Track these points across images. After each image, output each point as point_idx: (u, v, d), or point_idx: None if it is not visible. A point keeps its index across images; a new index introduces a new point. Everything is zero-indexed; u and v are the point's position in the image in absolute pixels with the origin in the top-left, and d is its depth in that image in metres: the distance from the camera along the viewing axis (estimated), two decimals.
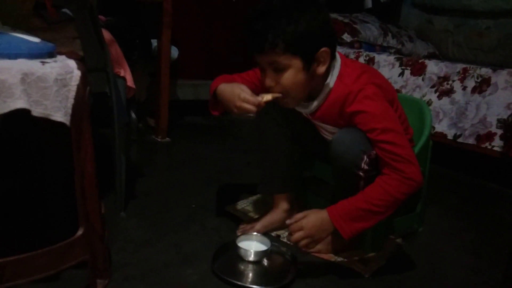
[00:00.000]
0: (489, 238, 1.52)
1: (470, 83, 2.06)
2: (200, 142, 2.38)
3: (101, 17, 1.68)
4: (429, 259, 1.32)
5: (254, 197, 1.62)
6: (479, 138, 1.99)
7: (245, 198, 1.61)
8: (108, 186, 1.38)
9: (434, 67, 2.22)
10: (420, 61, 2.31)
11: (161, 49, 2.19)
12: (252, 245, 1.22)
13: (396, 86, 2.32)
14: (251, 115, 1.20)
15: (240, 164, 2.04)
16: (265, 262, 1.19)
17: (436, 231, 1.52)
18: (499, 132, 1.93)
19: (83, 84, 0.86)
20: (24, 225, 1.26)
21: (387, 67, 2.41)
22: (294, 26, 1.03)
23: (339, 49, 1.59)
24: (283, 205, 1.36)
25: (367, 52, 2.60)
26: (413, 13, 3.53)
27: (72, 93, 0.83)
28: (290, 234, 1.10)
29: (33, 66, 0.77)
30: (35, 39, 0.86)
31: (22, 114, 0.74)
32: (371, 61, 2.51)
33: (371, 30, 2.88)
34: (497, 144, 1.93)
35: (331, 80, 1.14)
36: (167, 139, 2.31)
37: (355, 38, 2.80)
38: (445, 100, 2.14)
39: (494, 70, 2.00)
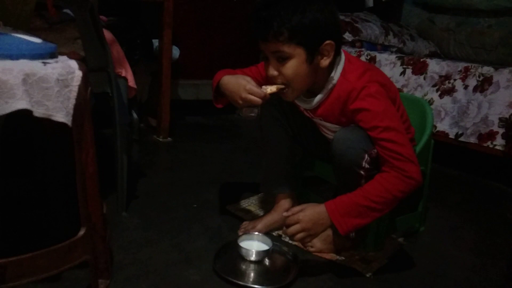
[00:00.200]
0: (491, 237, 1.52)
1: (472, 82, 2.06)
2: (202, 142, 2.38)
3: (102, 17, 1.68)
4: (430, 258, 1.32)
5: (256, 197, 1.62)
6: (481, 137, 1.99)
7: (246, 197, 1.61)
8: (109, 186, 1.38)
9: (435, 66, 2.22)
10: (421, 60, 2.30)
11: (162, 49, 2.20)
12: (253, 245, 1.21)
13: (398, 85, 2.32)
14: (253, 114, 1.20)
15: (242, 163, 2.05)
16: (267, 261, 1.19)
17: (437, 230, 1.52)
18: (501, 131, 1.92)
19: (85, 84, 0.87)
20: (26, 225, 1.26)
21: (389, 66, 2.41)
22: (300, 16, 1.03)
23: None
24: (285, 205, 1.36)
25: (369, 51, 2.60)
26: (414, 12, 3.52)
27: (74, 94, 0.83)
28: (287, 226, 1.09)
29: (35, 66, 0.77)
30: (37, 40, 0.86)
31: (24, 115, 0.75)
32: (372, 60, 2.50)
33: (372, 29, 2.88)
34: (499, 143, 1.93)
35: (335, 76, 1.14)
36: (169, 139, 2.32)
37: (357, 37, 2.79)
38: (447, 99, 2.14)
39: (496, 69, 2.00)
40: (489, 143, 1.96)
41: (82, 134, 0.89)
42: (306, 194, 1.54)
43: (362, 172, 1.09)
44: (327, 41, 1.07)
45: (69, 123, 0.82)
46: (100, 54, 1.22)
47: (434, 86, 2.20)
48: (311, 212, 1.08)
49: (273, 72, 1.10)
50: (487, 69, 2.02)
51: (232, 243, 1.21)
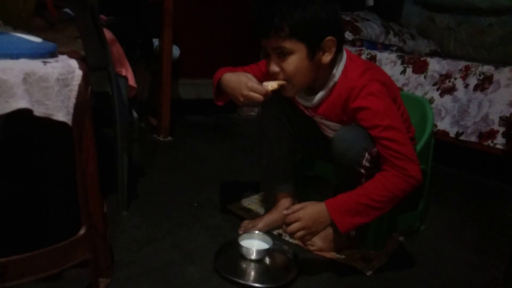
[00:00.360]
0: (491, 236, 1.52)
1: (472, 81, 2.05)
2: (202, 141, 2.38)
3: (103, 16, 1.69)
4: (431, 257, 1.32)
5: (256, 196, 1.62)
6: (481, 135, 1.99)
7: (247, 196, 1.61)
8: (110, 185, 1.38)
9: (436, 65, 2.21)
10: (422, 59, 2.30)
11: (162, 48, 2.20)
12: (254, 244, 1.22)
13: (398, 84, 2.32)
14: (253, 113, 1.20)
15: (242, 162, 2.05)
16: (267, 260, 1.19)
17: (438, 229, 1.52)
18: (502, 129, 1.92)
19: (85, 83, 0.87)
20: (27, 225, 1.26)
21: (389, 65, 2.41)
22: (301, 12, 1.04)
23: None
24: (285, 204, 1.36)
25: (369, 50, 2.60)
26: (414, 11, 3.52)
27: (74, 93, 0.83)
28: (287, 225, 1.09)
29: (35, 66, 0.77)
30: (37, 39, 0.86)
31: (25, 114, 0.75)
32: (372, 59, 2.50)
33: (372, 28, 2.88)
34: (499, 141, 1.93)
35: (337, 73, 1.14)
36: (169, 138, 2.32)
37: (357, 36, 2.79)
38: (447, 98, 2.14)
39: (496, 68, 2.00)
40: (489, 142, 1.96)
41: (82, 133, 0.89)
42: (306, 193, 1.54)
43: (362, 170, 1.09)
44: (329, 37, 1.07)
45: (70, 123, 0.82)
46: (100, 53, 1.22)
47: (434, 85, 2.20)
48: (311, 211, 1.08)
49: (274, 68, 1.11)
50: (487, 68, 2.02)
51: (233, 242, 1.21)
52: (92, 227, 0.94)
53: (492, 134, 1.95)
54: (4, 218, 1.24)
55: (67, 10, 1.31)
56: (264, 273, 1.16)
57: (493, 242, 1.47)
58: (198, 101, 2.85)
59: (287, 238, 1.33)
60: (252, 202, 1.57)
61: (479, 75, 2.03)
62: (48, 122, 0.79)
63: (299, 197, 1.43)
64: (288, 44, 1.06)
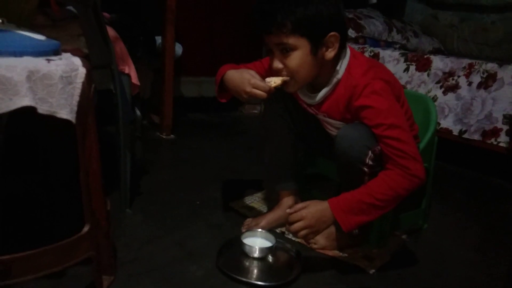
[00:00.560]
0: (494, 234, 1.52)
1: (476, 79, 2.05)
2: (205, 139, 2.38)
3: (105, 14, 1.68)
4: (433, 256, 1.32)
5: (259, 194, 1.62)
6: (485, 134, 1.98)
7: (249, 194, 1.61)
8: (113, 183, 1.38)
9: (439, 63, 2.21)
10: (425, 56, 2.29)
11: (165, 46, 2.19)
12: (256, 242, 1.22)
13: (401, 82, 2.31)
14: (255, 111, 1.20)
15: (244, 160, 2.05)
16: (270, 258, 1.19)
17: (441, 228, 1.52)
18: (505, 128, 1.92)
19: (88, 81, 0.87)
20: (31, 222, 1.27)
21: (392, 62, 2.40)
22: (303, 8, 1.04)
23: None
24: (288, 202, 1.36)
25: (372, 48, 2.59)
26: (417, 8, 3.50)
27: (78, 91, 0.83)
28: (290, 223, 1.09)
29: (39, 63, 0.77)
30: (40, 37, 0.86)
31: (28, 112, 0.75)
32: (375, 56, 2.49)
33: (375, 26, 2.87)
34: (502, 140, 1.92)
35: (340, 70, 1.13)
36: (172, 136, 2.32)
37: (360, 34, 2.78)
38: (451, 95, 2.13)
39: (500, 65, 1.99)
40: (493, 140, 1.95)
41: (85, 131, 0.89)
42: (309, 191, 1.54)
43: (365, 169, 1.09)
44: (332, 33, 1.07)
45: (73, 120, 0.82)
46: (103, 51, 1.22)
47: (437, 82, 2.19)
48: (314, 209, 1.08)
49: (277, 64, 1.10)
50: (491, 66, 2.01)
51: (235, 240, 1.22)
52: (95, 224, 0.94)
53: (495, 132, 1.95)
54: (8, 216, 1.25)
55: (70, 7, 1.31)
56: (267, 271, 1.16)
57: (496, 241, 1.47)
58: (200, 99, 2.85)
59: (290, 236, 1.33)
60: (254, 200, 1.57)
61: (483, 73, 2.03)
62: (51, 120, 0.79)
63: (302, 195, 1.43)
64: (291, 40, 1.06)
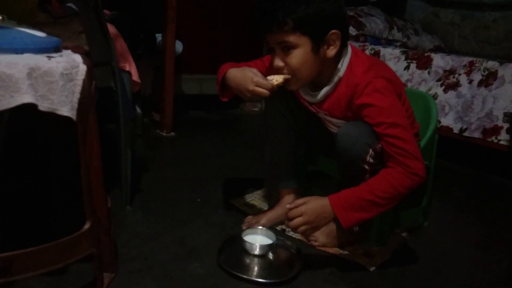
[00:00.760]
0: (495, 232, 1.52)
1: (477, 77, 2.04)
2: (205, 136, 2.38)
3: (106, 11, 1.68)
4: (434, 253, 1.32)
5: (259, 191, 1.62)
6: (485, 132, 1.98)
7: (250, 192, 1.61)
8: (113, 181, 1.39)
9: (440, 61, 2.20)
10: (426, 54, 2.29)
11: (165, 44, 2.19)
12: (257, 239, 1.22)
13: (402, 80, 2.31)
14: (256, 109, 1.20)
15: (245, 158, 2.05)
16: (270, 255, 1.20)
17: (441, 225, 1.52)
18: (506, 126, 1.92)
19: (89, 78, 0.87)
20: (32, 219, 1.27)
21: (393, 60, 2.40)
22: (304, 6, 1.03)
23: None
24: (289, 200, 1.36)
25: (373, 46, 2.59)
26: (418, 6, 3.50)
27: (78, 88, 0.83)
28: (289, 219, 1.09)
29: (39, 60, 0.77)
30: (41, 34, 0.86)
31: (29, 109, 0.75)
32: (376, 54, 2.49)
33: (376, 24, 2.86)
34: (503, 138, 1.92)
35: (342, 68, 1.13)
36: (172, 133, 2.32)
37: (360, 32, 2.78)
38: (451, 93, 2.13)
39: (501, 63, 1.98)
40: (493, 138, 1.95)
41: (86, 128, 0.90)
42: (310, 189, 1.54)
43: (366, 166, 1.09)
44: (333, 31, 1.07)
45: (74, 117, 0.82)
46: (104, 48, 1.22)
47: (438, 80, 2.19)
48: (314, 205, 1.08)
49: (279, 63, 1.10)
50: (492, 64, 2.01)
51: (236, 237, 1.22)
52: (96, 222, 0.94)
53: (496, 130, 1.95)
54: (9, 213, 1.25)
55: (70, 4, 1.31)
56: (268, 268, 1.16)
57: (496, 238, 1.47)
58: (201, 97, 2.85)
59: (291, 233, 1.33)
60: (255, 198, 1.57)
61: (484, 71, 2.02)
62: (52, 117, 0.79)
63: (303, 193, 1.43)
64: (292, 38, 1.06)
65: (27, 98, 0.73)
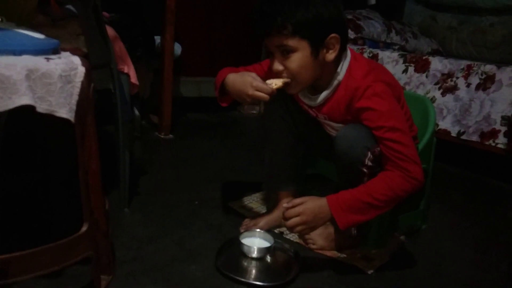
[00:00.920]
0: (493, 235, 1.52)
1: (474, 80, 2.05)
2: (203, 139, 2.38)
3: (105, 13, 1.68)
4: (432, 256, 1.32)
5: (258, 194, 1.62)
6: (483, 135, 1.99)
7: (248, 194, 1.61)
8: (111, 183, 1.38)
9: (438, 64, 2.21)
10: (424, 57, 2.30)
11: (164, 46, 2.19)
12: (255, 242, 1.22)
13: (400, 83, 2.31)
14: (254, 111, 1.20)
15: (243, 160, 2.05)
16: (268, 258, 1.19)
17: (439, 228, 1.52)
18: (503, 129, 1.92)
19: (87, 80, 0.87)
20: (29, 221, 1.26)
21: (391, 63, 2.41)
22: (303, 10, 1.03)
23: None
24: None
25: (371, 49, 2.59)
26: (416, 10, 3.51)
27: (77, 90, 0.83)
28: (286, 219, 1.08)
29: (38, 62, 0.77)
30: (40, 36, 0.86)
31: (27, 111, 0.75)
32: (374, 57, 2.50)
33: (374, 27, 2.87)
34: (501, 141, 1.93)
35: (341, 72, 1.13)
36: (170, 136, 2.32)
37: (359, 35, 2.79)
38: (449, 97, 2.14)
39: (498, 67, 1.99)
40: (491, 141, 1.96)
41: (84, 130, 0.89)
42: (308, 191, 1.54)
43: (365, 169, 1.09)
44: (332, 35, 1.07)
45: (72, 119, 0.82)
46: (102, 50, 1.22)
47: (436, 84, 2.20)
48: (312, 206, 1.07)
49: (278, 66, 1.10)
50: (489, 67, 2.02)
51: (234, 240, 1.22)
52: (94, 224, 0.93)
53: (493, 133, 1.95)
54: (6, 215, 1.24)
55: (70, 7, 1.31)
56: (265, 271, 1.16)
57: (494, 241, 1.47)
58: (199, 99, 2.85)
59: (289, 236, 1.33)
60: (253, 201, 1.57)
61: (481, 75, 2.03)
62: (50, 119, 0.79)
63: (301, 195, 1.43)
64: (291, 42, 1.06)
65: (25, 100, 0.73)
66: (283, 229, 1.36)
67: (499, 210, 1.78)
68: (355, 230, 1.22)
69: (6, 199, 1.32)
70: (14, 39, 0.81)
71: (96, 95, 1.00)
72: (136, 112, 2.21)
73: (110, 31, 1.29)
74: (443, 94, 2.16)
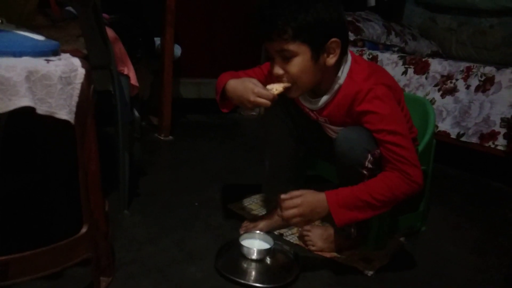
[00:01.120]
0: (492, 237, 1.52)
1: (474, 82, 2.05)
2: (203, 140, 2.38)
3: (105, 15, 1.68)
4: (432, 258, 1.32)
5: (258, 196, 1.62)
6: (483, 137, 1.99)
7: (248, 196, 1.61)
8: (111, 184, 1.38)
9: (437, 66, 2.21)
10: (423, 59, 2.30)
11: (164, 47, 2.20)
12: (255, 244, 1.21)
13: (400, 85, 2.31)
14: (254, 113, 1.20)
15: (243, 162, 2.05)
16: (268, 260, 1.19)
17: (439, 230, 1.52)
18: (503, 131, 1.92)
19: (87, 82, 0.87)
20: (29, 223, 1.26)
21: (391, 65, 2.41)
22: (304, 14, 1.03)
23: None
24: None
25: (370, 51, 2.60)
26: (416, 11, 3.52)
27: (77, 91, 0.83)
28: (282, 210, 1.08)
29: (38, 64, 0.77)
30: (40, 37, 0.86)
31: (27, 112, 0.75)
32: (374, 59, 2.50)
33: (374, 29, 2.87)
34: (500, 143, 1.93)
35: (342, 76, 1.13)
36: (170, 137, 2.32)
37: (358, 37, 2.79)
38: (449, 98, 2.14)
39: (498, 69, 2.00)
40: (490, 143, 1.96)
41: (84, 131, 0.89)
42: None
43: (365, 172, 1.09)
44: (333, 39, 1.07)
45: (72, 121, 0.82)
46: (102, 52, 1.22)
47: (436, 85, 2.20)
48: (310, 199, 1.07)
49: (278, 71, 1.10)
50: (489, 69, 2.02)
51: (234, 242, 1.21)
52: (93, 225, 0.93)
53: (493, 135, 1.96)
54: (6, 216, 1.24)
55: (70, 8, 1.31)
56: (265, 273, 1.16)
57: (494, 243, 1.47)
58: (199, 100, 2.85)
59: (288, 238, 1.33)
60: (253, 202, 1.57)
61: (481, 76, 2.03)
62: (50, 120, 0.79)
63: None
64: (292, 47, 1.06)
65: (25, 102, 0.73)
66: (283, 231, 1.36)
67: (498, 212, 1.78)
68: (355, 232, 1.22)
69: (6, 200, 1.32)
70: (14, 41, 0.81)
71: (96, 96, 1.00)
72: (136, 113, 2.21)
73: (110, 32, 1.29)
74: (442, 96, 2.16)
